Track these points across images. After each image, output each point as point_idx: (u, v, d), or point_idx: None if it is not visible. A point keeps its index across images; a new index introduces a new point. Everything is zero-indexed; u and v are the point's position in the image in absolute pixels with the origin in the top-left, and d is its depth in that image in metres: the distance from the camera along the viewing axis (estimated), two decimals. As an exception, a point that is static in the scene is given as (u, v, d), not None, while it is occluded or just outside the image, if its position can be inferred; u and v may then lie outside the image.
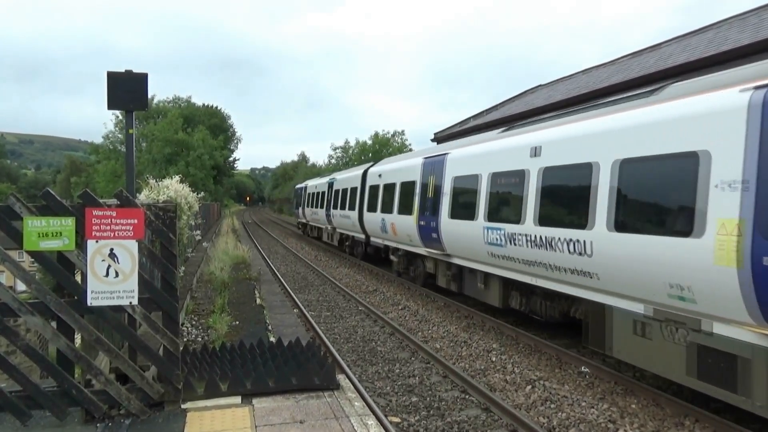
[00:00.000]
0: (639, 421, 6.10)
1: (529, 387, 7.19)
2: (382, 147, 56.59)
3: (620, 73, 16.63)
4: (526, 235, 8.37)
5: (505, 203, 9.26)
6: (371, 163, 20.53)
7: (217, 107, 73.34)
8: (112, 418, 4.47)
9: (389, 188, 15.79)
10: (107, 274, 4.40)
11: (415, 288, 14.53)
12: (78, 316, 4.36)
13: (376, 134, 59.47)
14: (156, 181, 9.51)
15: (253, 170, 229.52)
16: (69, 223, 4.33)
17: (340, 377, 5.58)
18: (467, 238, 10.47)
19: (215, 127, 66.80)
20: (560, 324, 9.15)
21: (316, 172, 67.17)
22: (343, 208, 21.69)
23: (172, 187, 9.26)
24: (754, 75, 5.38)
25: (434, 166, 12.52)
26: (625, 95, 7.89)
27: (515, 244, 8.68)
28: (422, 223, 12.76)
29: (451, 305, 12.26)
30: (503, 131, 10.32)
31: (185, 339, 8.10)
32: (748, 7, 15.64)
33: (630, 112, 6.79)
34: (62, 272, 4.37)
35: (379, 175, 17.10)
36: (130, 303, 4.47)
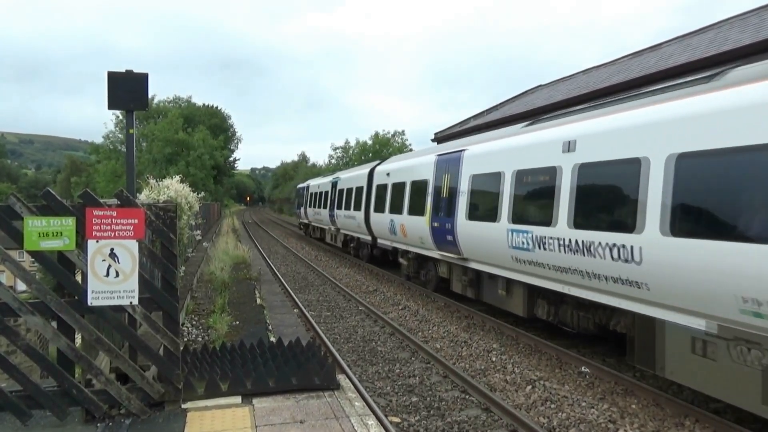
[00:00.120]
0: (639, 421, 6.10)
1: (530, 387, 7.18)
2: (383, 147, 56.62)
3: (620, 73, 16.63)
4: (558, 239, 7.59)
5: (532, 203, 8.51)
6: (378, 162, 19.75)
7: (217, 107, 73.48)
8: (112, 417, 4.47)
9: (398, 187, 15.04)
10: (108, 274, 4.40)
11: (416, 288, 14.50)
12: (78, 315, 4.36)
13: (377, 134, 59.55)
14: (156, 181, 9.50)
15: (253, 170, 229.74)
16: (69, 222, 4.33)
17: (341, 377, 5.58)
18: (488, 241, 9.68)
19: (215, 127, 66.84)
20: (595, 336, 8.53)
21: (317, 172, 67.19)
22: (347, 208, 20.94)
23: (173, 187, 9.26)
24: None
25: (449, 163, 11.75)
26: (672, 83, 7.12)
27: (545, 249, 7.90)
28: (436, 224, 12.04)
29: (451, 305, 12.25)
30: (528, 125, 9.55)
31: (185, 339, 8.10)
32: (748, 7, 15.65)
33: (686, 100, 5.96)
34: (63, 272, 4.38)
35: (387, 174, 16.37)
36: (131, 303, 4.47)
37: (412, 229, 13.62)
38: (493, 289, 10.35)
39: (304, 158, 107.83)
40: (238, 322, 9.33)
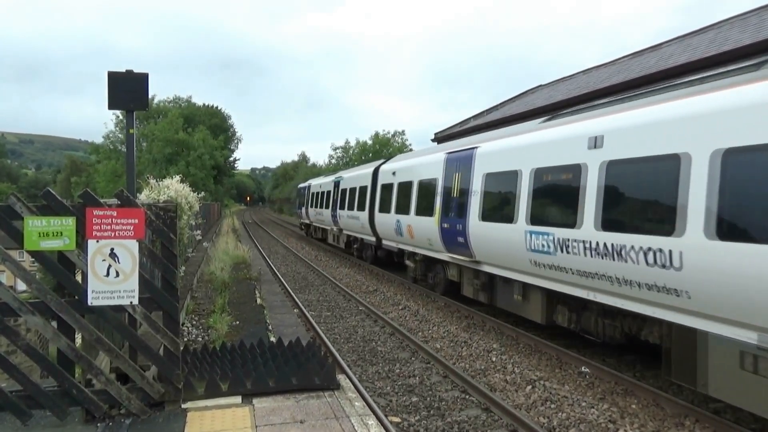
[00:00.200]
0: (639, 421, 6.10)
1: (530, 387, 7.19)
2: (383, 147, 56.67)
3: (620, 73, 16.63)
4: (583, 242, 7.10)
5: (553, 203, 8.03)
6: (383, 161, 19.24)
7: (217, 107, 73.55)
8: (112, 417, 4.47)
9: (405, 187, 14.50)
10: (108, 274, 4.40)
11: (415, 288, 14.50)
12: (78, 315, 4.37)
13: (377, 134, 59.62)
14: (156, 180, 9.50)
15: (253, 170, 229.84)
16: (70, 222, 4.33)
17: (341, 377, 5.58)
18: (503, 243, 9.18)
19: (215, 127, 66.89)
20: (622, 346, 8.07)
21: (317, 172, 67.23)
22: (351, 208, 20.36)
23: (173, 187, 9.26)
24: None
25: (460, 162, 11.25)
26: (708, 73, 6.64)
27: (568, 252, 7.43)
28: (446, 225, 11.53)
29: (451, 305, 12.25)
30: (546, 120, 9.07)
31: (185, 339, 8.10)
32: (748, 7, 15.66)
33: (733, 90, 5.45)
34: (63, 272, 4.38)
35: (393, 173, 15.82)
36: (131, 303, 4.47)
37: (420, 231, 13.14)
38: (508, 294, 9.84)
39: (304, 158, 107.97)
40: (238, 322, 9.34)
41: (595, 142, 7.12)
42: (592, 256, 6.97)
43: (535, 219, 8.30)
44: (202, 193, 14.12)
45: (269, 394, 5.07)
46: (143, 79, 6.90)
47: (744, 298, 5.06)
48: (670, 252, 5.76)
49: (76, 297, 4.38)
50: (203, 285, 12.90)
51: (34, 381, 4.43)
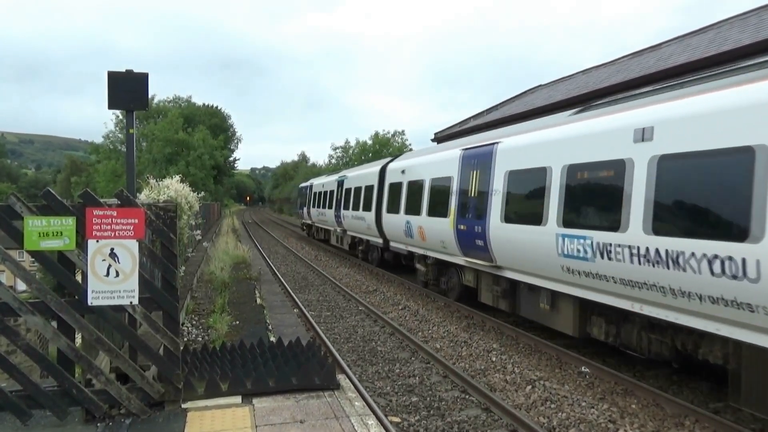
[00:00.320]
0: (639, 421, 6.10)
1: (529, 387, 7.19)
2: (383, 147, 56.67)
3: (620, 73, 16.64)
4: (629, 247, 6.35)
5: (591, 204, 7.25)
6: (390, 159, 18.39)
7: (217, 107, 73.58)
8: (112, 417, 4.47)
9: (415, 186, 13.66)
10: (108, 274, 4.41)
11: (416, 288, 14.49)
12: (78, 315, 4.37)
13: (377, 134, 59.60)
14: (156, 180, 9.51)
15: (253, 170, 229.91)
16: (69, 222, 4.33)
17: (341, 377, 5.58)
18: (530, 247, 8.40)
19: (215, 126, 66.91)
20: (667, 364, 7.19)
21: (317, 171, 67.27)
22: (356, 208, 19.42)
23: (173, 187, 9.27)
24: None
25: (478, 159, 10.46)
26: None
27: (610, 258, 6.67)
28: (462, 227, 10.73)
29: (451, 305, 12.25)
30: (577, 112, 8.32)
31: (185, 339, 8.10)
32: (748, 7, 15.67)
33: None
34: (63, 272, 4.38)
35: (402, 171, 14.92)
36: (131, 303, 4.47)
37: (433, 232, 12.30)
38: (534, 303, 9.03)
39: (304, 158, 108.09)
40: (238, 322, 9.34)
41: (643, 135, 6.36)
42: (639, 263, 6.23)
43: (569, 221, 7.54)
44: (202, 193, 14.14)
45: (269, 394, 5.07)
46: (143, 78, 6.91)
47: None
48: (744, 260, 4.99)
49: (76, 297, 4.38)
50: (203, 285, 12.90)
51: (34, 381, 4.43)
